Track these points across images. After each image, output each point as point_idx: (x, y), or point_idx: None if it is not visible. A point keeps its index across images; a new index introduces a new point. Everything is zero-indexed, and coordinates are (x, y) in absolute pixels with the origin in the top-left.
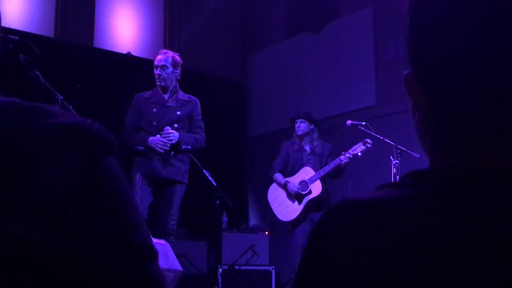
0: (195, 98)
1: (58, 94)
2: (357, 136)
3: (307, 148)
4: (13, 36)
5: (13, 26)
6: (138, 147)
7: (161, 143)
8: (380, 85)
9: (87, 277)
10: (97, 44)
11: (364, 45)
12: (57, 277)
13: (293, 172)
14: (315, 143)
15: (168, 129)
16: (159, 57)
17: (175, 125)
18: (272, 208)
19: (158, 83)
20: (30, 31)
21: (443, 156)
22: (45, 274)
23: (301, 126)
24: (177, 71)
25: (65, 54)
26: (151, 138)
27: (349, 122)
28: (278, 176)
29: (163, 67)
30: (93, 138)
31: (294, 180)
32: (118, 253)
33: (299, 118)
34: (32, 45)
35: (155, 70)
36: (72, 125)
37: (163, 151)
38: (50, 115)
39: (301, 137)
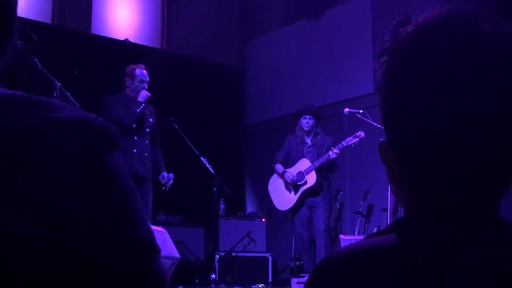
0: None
1: (56, 81)
2: (354, 123)
3: (308, 141)
4: None
5: None
6: None
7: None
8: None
9: (86, 273)
10: (95, 30)
11: (362, 32)
12: (56, 273)
13: (293, 164)
14: (318, 137)
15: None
16: (145, 71)
17: (147, 130)
18: (272, 198)
19: (143, 96)
20: (28, 18)
21: (416, 214)
22: (44, 270)
23: (310, 123)
24: None
25: (62, 40)
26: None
27: (346, 110)
28: (278, 167)
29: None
30: (97, 133)
31: (292, 171)
32: (119, 248)
33: (308, 115)
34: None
35: (143, 85)
36: (75, 120)
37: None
38: (53, 109)
39: (308, 133)
